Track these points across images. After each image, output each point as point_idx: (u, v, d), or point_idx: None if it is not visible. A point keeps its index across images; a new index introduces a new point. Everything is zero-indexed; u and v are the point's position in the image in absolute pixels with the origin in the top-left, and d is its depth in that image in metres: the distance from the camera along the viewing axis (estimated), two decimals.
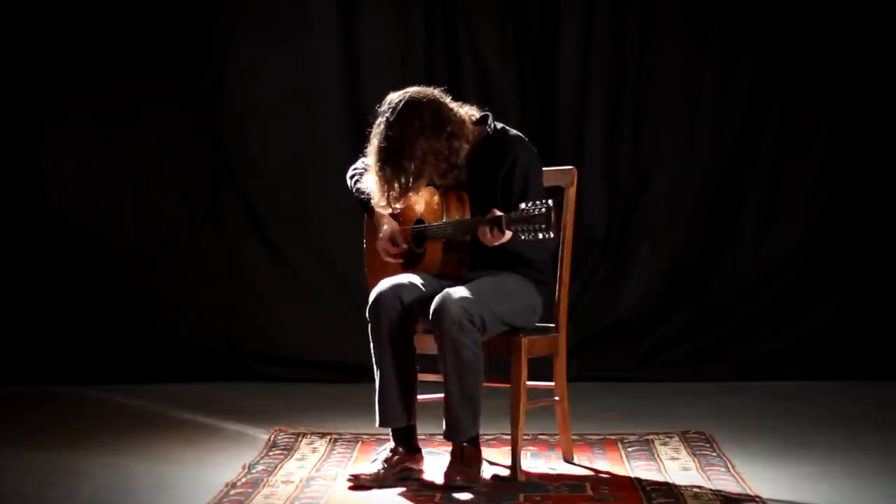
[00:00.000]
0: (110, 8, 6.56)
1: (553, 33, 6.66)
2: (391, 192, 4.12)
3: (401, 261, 4.29)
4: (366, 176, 4.23)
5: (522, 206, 3.86)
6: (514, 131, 4.25)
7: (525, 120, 6.59)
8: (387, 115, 4.12)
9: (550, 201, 3.82)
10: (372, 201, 4.22)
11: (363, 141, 4.43)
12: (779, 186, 6.68)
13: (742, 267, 6.70)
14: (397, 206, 4.19)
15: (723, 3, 6.63)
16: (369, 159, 4.18)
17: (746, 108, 6.66)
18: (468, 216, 4.14)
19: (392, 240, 4.28)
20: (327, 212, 6.58)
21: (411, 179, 4.10)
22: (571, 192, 4.39)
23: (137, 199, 6.65)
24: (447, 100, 4.17)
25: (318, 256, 6.70)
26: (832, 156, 6.68)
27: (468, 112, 4.21)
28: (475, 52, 6.66)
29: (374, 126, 4.17)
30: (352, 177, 4.43)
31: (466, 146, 4.15)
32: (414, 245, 4.27)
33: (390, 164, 4.09)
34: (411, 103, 4.10)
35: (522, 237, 3.86)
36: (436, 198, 4.18)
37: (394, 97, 4.16)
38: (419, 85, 4.20)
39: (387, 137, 4.09)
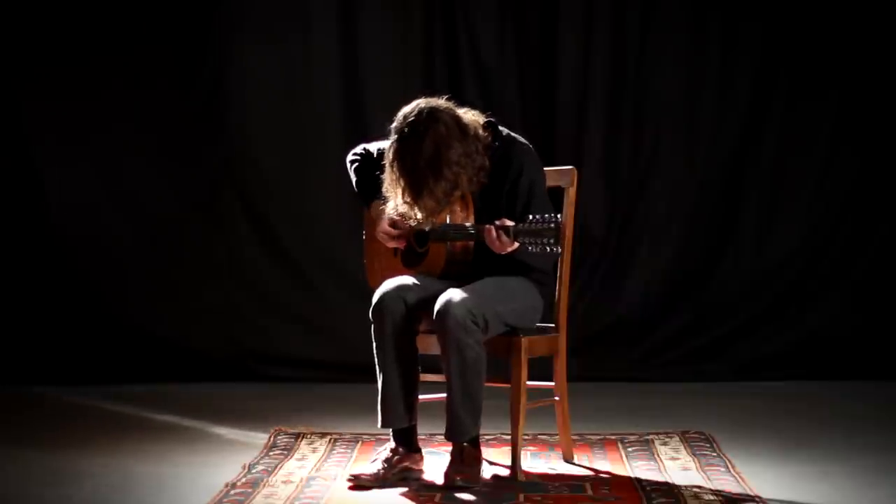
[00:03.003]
0: (110, 9, 6.56)
1: (553, 33, 6.66)
2: (429, 206, 3.99)
3: (402, 244, 4.25)
4: (389, 203, 4.07)
5: (531, 218, 3.82)
6: (520, 139, 4.19)
7: (525, 120, 6.60)
8: (407, 129, 3.98)
9: (560, 215, 3.82)
10: (407, 221, 4.07)
11: (362, 140, 4.42)
12: (779, 186, 6.68)
13: (742, 267, 6.70)
14: (434, 219, 4.05)
15: (723, 3, 6.63)
16: (393, 178, 4.00)
17: (747, 107, 6.66)
18: (472, 218, 4.10)
19: (393, 225, 4.21)
20: (327, 211, 6.59)
21: (450, 187, 3.98)
22: (571, 192, 4.39)
23: (137, 199, 6.65)
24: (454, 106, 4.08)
25: (318, 256, 6.69)
26: (833, 156, 6.68)
27: (473, 118, 4.12)
28: (475, 52, 6.66)
29: (393, 144, 4.00)
30: (352, 162, 4.34)
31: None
32: (417, 244, 4.26)
33: (430, 176, 3.95)
34: (432, 112, 3.99)
35: (530, 248, 3.83)
36: None
37: (408, 111, 4.02)
38: (425, 92, 4.10)
39: (418, 150, 3.94)
